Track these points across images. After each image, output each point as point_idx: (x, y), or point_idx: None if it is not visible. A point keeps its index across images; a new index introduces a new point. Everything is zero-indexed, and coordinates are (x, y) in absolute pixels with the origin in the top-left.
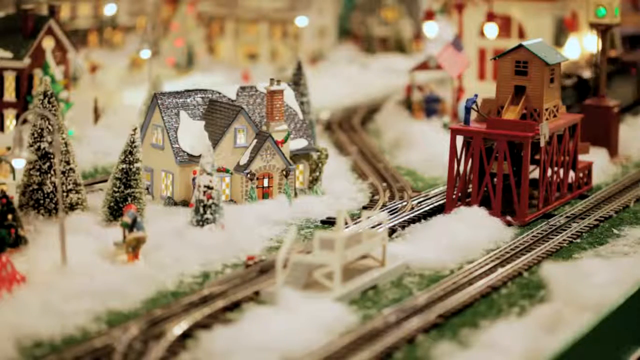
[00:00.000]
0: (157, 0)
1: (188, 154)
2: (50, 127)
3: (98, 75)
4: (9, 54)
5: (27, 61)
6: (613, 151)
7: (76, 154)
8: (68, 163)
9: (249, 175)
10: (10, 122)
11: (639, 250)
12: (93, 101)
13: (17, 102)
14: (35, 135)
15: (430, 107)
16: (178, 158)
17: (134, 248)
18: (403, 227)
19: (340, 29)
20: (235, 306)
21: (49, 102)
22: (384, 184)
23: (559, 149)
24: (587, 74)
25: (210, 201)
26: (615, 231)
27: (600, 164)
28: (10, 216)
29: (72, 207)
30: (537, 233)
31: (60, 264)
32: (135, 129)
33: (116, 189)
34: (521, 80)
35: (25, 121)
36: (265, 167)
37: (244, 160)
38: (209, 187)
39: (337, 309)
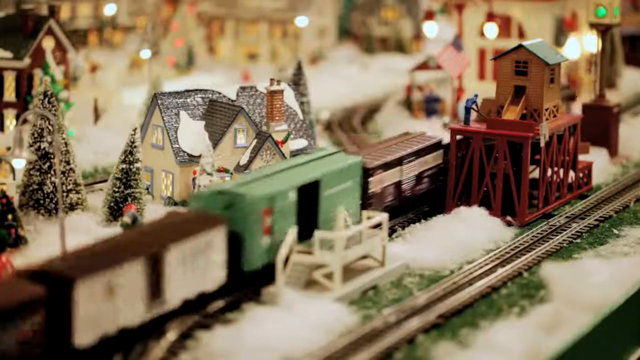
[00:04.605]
0: (157, 0)
1: (188, 154)
2: (50, 127)
3: (98, 75)
4: (9, 54)
5: (27, 61)
6: (613, 151)
7: (76, 154)
8: (68, 163)
9: None
10: (10, 122)
11: (639, 250)
12: (93, 101)
13: (17, 102)
14: (35, 135)
15: (430, 107)
16: (178, 158)
17: None
18: (403, 227)
19: (340, 29)
20: (235, 306)
21: (49, 102)
22: None
23: (559, 149)
24: None
25: None
26: (615, 231)
27: (600, 164)
28: (10, 216)
29: (72, 207)
30: (537, 233)
31: None
32: (135, 129)
33: (116, 189)
34: (521, 80)
35: (25, 121)
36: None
37: (244, 160)
38: None
39: (337, 309)
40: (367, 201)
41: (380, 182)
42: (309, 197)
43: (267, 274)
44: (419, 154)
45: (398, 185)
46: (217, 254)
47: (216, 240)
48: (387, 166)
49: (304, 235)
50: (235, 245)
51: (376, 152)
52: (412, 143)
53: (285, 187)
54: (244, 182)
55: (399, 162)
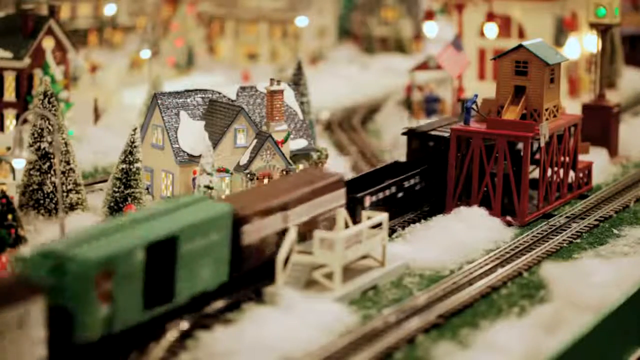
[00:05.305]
0: (157, 0)
1: (188, 154)
2: (50, 127)
3: (98, 75)
4: (9, 54)
5: (27, 61)
6: (613, 151)
7: (76, 154)
8: (68, 163)
9: (249, 176)
10: (10, 122)
11: (639, 250)
12: (93, 101)
13: (17, 102)
14: (35, 135)
15: (430, 107)
16: (178, 158)
17: None
18: (403, 227)
19: (340, 29)
20: (235, 306)
21: (49, 102)
22: None
23: (559, 149)
24: None
25: None
26: (615, 231)
27: (600, 164)
28: (10, 216)
29: (72, 207)
30: (537, 233)
31: None
32: (135, 129)
33: (116, 189)
34: (521, 80)
35: (25, 121)
36: (265, 167)
37: (244, 160)
38: (209, 187)
39: (337, 309)
40: (238, 255)
41: (257, 232)
42: (163, 256)
43: (110, 346)
44: (311, 195)
45: (284, 233)
46: (33, 329)
47: (32, 314)
48: (266, 213)
49: (158, 301)
50: (65, 317)
51: (255, 197)
52: (304, 183)
53: (129, 246)
54: (79, 240)
55: (283, 207)
